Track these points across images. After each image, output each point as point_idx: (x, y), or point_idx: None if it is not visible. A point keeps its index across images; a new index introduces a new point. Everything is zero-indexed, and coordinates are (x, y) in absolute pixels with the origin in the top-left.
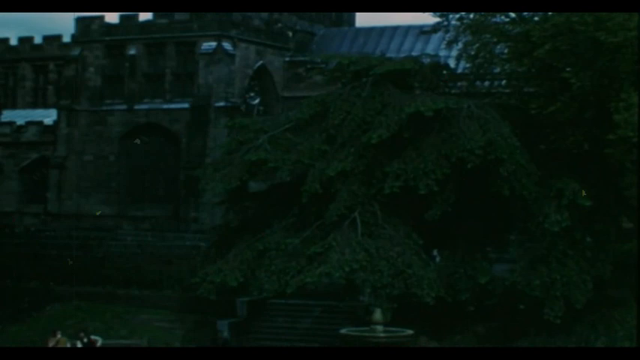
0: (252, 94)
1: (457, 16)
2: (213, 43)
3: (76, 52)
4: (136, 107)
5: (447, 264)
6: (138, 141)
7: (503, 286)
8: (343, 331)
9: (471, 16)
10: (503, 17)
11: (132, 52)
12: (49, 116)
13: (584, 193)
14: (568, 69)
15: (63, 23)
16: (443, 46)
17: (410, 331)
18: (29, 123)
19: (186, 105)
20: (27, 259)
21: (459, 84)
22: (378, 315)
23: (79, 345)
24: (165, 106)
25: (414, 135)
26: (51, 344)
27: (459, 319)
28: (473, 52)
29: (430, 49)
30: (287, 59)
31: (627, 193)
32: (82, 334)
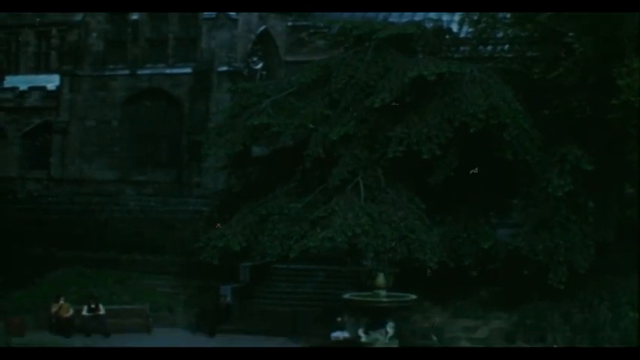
0: (254, 59)
1: None
2: None
3: (78, 17)
4: (139, 72)
5: (449, 229)
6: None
7: (507, 250)
8: (346, 295)
9: None
10: None
11: (134, 17)
12: (51, 82)
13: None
14: (571, 34)
15: None
16: None
17: (413, 296)
18: (32, 88)
19: (188, 70)
20: (30, 225)
21: (462, 48)
22: (380, 280)
23: (85, 311)
24: (167, 71)
25: (417, 99)
26: (54, 310)
27: (462, 284)
28: (475, 17)
29: (433, 14)
30: (290, 24)
31: (630, 158)
32: (90, 300)
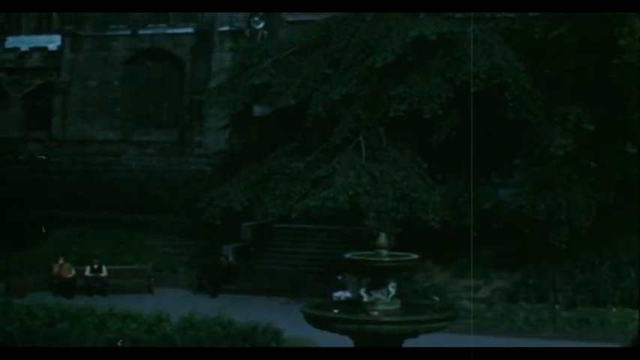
0: (256, 19)
1: None
2: None
3: None
4: (140, 32)
5: (451, 188)
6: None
7: (508, 210)
8: (348, 255)
9: None
10: None
11: None
12: (53, 42)
13: None
14: None
15: None
16: None
17: (415, 256)
18: (33, 49)
19: (190, 30)
20: (31, 186)
21: None
22: (382, 239)
23: (87, 271)
24: (169, 31)
25: (419, 59)
26: (55, 270)
27: (464, 243)
28: None
29: None
30: None
31: (631, 118)
32: (94, 260)
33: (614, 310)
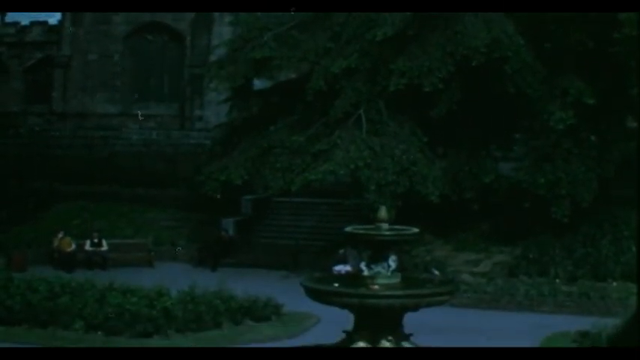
0: None
1: None
2: None
3: None
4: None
5: (451, 162)
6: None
7: (508, 184)
8: (348, 229)
9: None
10: None
11: None
12: (53, 16)
13: None
14: None
15: None
16: None
17: (415, 229)
18: (33, 23)
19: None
20: (32, 160)
21: None
22: (382, 213)
23: (88, 245)
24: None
25: (419, 32)
26: (55, 244)
27: (464, 217)
28: None
29: None
30: None
31: (632, 92)
32: (94, 234)
33: (614, 284)
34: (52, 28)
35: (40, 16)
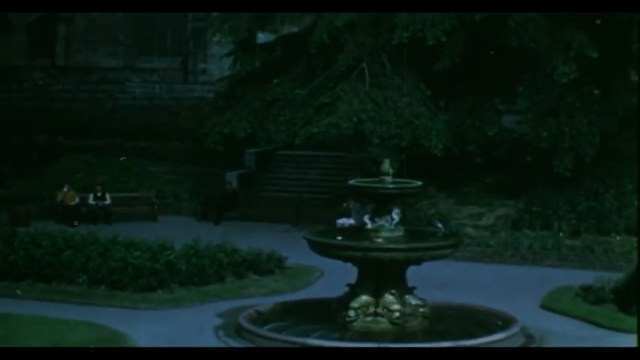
0: None
1: None
2: None
3: None
4: None
5: (454, 115)
6: None
7: (512, 137)
8: (351, 182)
9: None
10: None
11: None
12: None
13: None
14: None
15: None
16: None
17: (418, 182)
18: None
19: None
20: (35, 114)
21: None
22: (386, 166)
23: (91, 199)
24: None
25: None
26: (59, 198)
27: (467, 171)
28: None
29: None
30: None
31: (634, 47)
32: (97, 188)
33: (617, 238)
34: None
35: None
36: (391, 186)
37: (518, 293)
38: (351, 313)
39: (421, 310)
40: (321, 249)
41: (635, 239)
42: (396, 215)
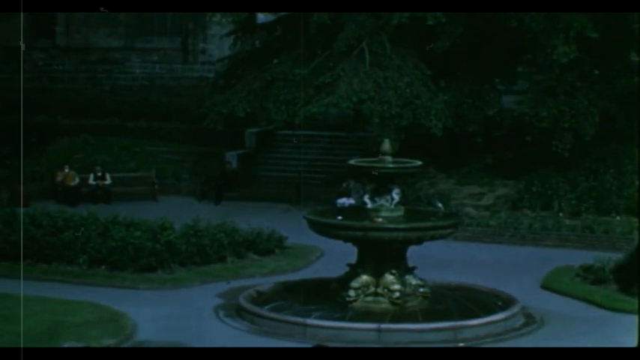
0: None
1: None
2: None
3: None
4: None
5: (454, 95)
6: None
7: (512, 117)
8: (351, 161)
9: None
10: None
11: None
12: None
13: None
14: None
15: None
16: None
17: (418, 162)
18: None
19: None
20: (35, 94)
21: None
22: (386, 146)
23: (91, 179)
24: None
25: None
26: (59, 179)
27: (467, 150)
28: None
29: None
30: None
31: (635, 27)
32: (97, 168)
33: (618, 218)
34: None
35: None
36: (391, 165)
37: (518, 273)
38: (352, 292)
39: (421, 290)
40: (322, 229)
41: (635, 219)
42: (396, 195)
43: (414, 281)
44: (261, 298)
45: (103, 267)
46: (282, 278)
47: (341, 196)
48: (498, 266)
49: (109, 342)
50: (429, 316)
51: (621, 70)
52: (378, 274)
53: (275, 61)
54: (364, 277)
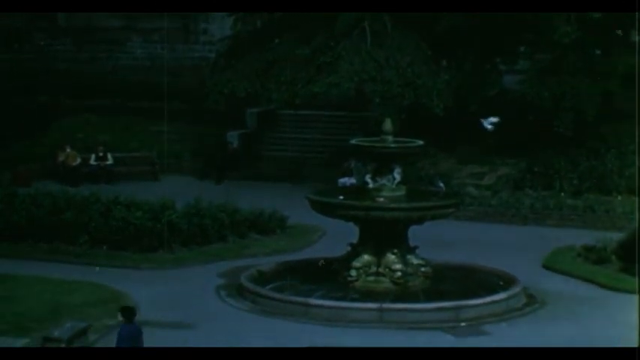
0: None
1: None
2: None
3: None
4: None
5: (456, 75)
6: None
7: (513, 97)
8: (353, 141)
9: None
10: None
11: None
12: None
13: None
14: None
15: None
16: None
17: (420, 142)
18: None
19: None
20: (36, 74)
21: None
22: (387, 125)
23: (92, 159)
24: None
25: None
26: (61, 159)
27: (469, 130)
28: None
29: None
30: None
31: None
32: (100, 148)
33: (619, 198)
34: None
35: None
36: (393, 145)
37: (519, 253)
38: (353, 272)
39: (423, 269)
40: (323, 208)
41: (636, 199)
42: (397, 175)
43: (415, 261)
44: (262, 278)
45: (105, 247)
46: (283, 258)
47: (343, 176)
48: (500, 246)
49: (109, 322)
50: (430, 295)
51: (622, 50)
52: (379, 254)
53: (276, 40)
54: (366, 257)
